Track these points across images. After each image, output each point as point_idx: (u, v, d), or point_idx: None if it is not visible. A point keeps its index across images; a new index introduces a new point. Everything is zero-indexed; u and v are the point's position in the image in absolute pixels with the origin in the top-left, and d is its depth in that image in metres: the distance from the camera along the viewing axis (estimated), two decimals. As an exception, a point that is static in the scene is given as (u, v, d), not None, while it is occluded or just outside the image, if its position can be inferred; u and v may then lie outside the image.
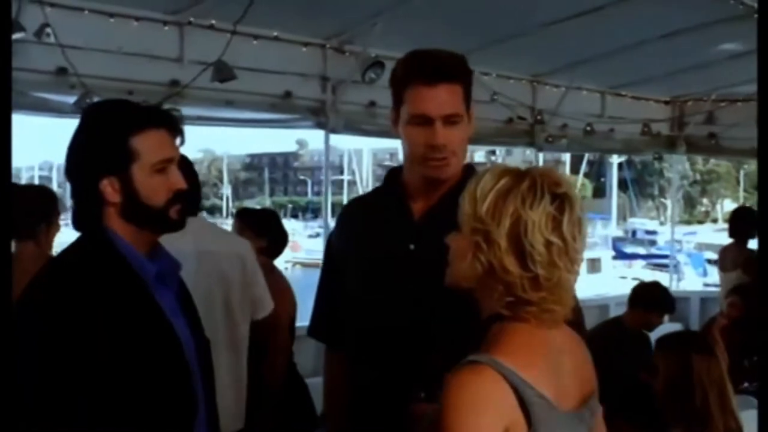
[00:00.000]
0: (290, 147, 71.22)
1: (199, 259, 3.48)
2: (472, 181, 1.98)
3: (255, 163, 74.92)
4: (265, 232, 4.50)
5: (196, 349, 2.40)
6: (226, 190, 65.18)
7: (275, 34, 5.75)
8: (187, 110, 5.46)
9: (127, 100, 2.48)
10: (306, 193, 71.04)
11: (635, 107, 8.16)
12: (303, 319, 4.12)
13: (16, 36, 4.36)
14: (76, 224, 2.36)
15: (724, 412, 3.31)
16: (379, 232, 2.67)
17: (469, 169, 2.68)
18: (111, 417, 2.12)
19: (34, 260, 3.23)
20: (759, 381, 2.38)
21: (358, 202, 3.04)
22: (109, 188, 2.25)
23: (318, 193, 64.47)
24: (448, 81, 2.52)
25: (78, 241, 2.35)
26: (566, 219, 1.90)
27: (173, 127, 2.35)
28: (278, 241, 4.60)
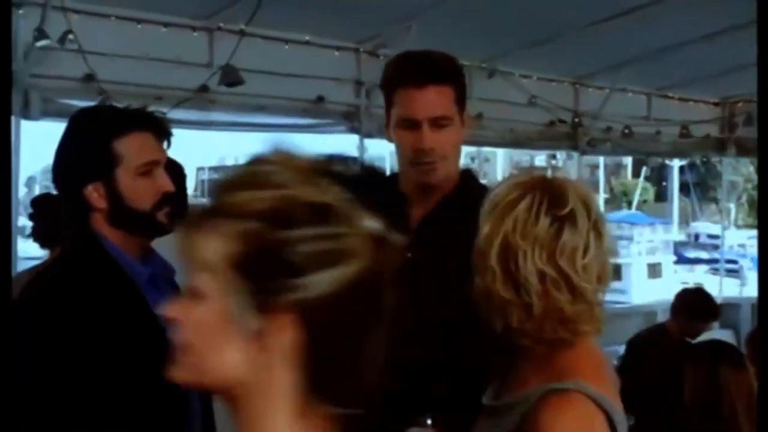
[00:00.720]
0: (350, 153, 71.37)
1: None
2: (491, 189, 1.87)
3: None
4: None
5: None
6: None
7: (307, 38, 5.69)
8: (217, 116, 5.44)
9: (111, 105, 2.45)
10: (365, 198, 70.99)
11: (682, 109, 7.95)
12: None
13: (40, 44, 4.38)
14: (68, 230, 2.33)
15: (753, 425, 3.18)
16: None
17: (468, 174, 2.60)
18: (105, 414, 2.09)
19: None
20: (759, 382, 2.27)
21: None
22: (95, 194, 2.22)
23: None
24: (437, 82, 2.42)
25: (70, 246, 2.33)
26: (564, 246, 1.73)
27: (158, 129, 2.32)
28: None
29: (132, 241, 2.29)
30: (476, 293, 1.82)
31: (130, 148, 2.22)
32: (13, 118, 4.58)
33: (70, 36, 4.37)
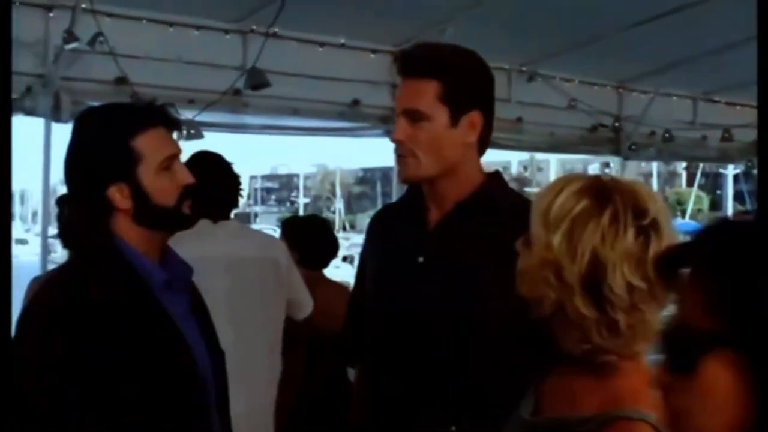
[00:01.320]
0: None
1: (229, 265, 3.47)
2: (544, 194, 1.73)
3: (368, 177, 75.53)
4: (295, 244, 4.37)
5: (209, 356, 2.31)
6: (339, 204, 65.89)
7: (342, 41, 5.63)
8: (251, 119, 5.41)
9: (120, 102, 2.42)
10: (417, 207, 71.53)
11: (729, 114, 7.71)
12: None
13: (70, 46, 4.37)
14: (77, 234, 2.29)
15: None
16: (394, 243, 2.53)
17: (493, 178, 2.51)
18: (121, 424, 2.05)
19: None
20: (759, 381, 2.17)
21: (384, 211, 2.93)
22: (118, 195, 2.19)
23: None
24: (420, 76, 2.36)
25: (83, 250, 2.28)
26: (652, 256, 1.63)
27: (170, 123, 2.30)
28: (315, 250, 4.47)
29: (153, 241, 2.26)
30: (543, 310, 1.69)
31: (149, 144, 2.20)
32: (44, 121, 4.60)
33: (101, 38, 4.35)
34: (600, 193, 1.67)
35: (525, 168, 64.27)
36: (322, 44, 5.55)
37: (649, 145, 7.18)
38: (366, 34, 5.70)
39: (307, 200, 65.41)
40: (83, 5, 4.44)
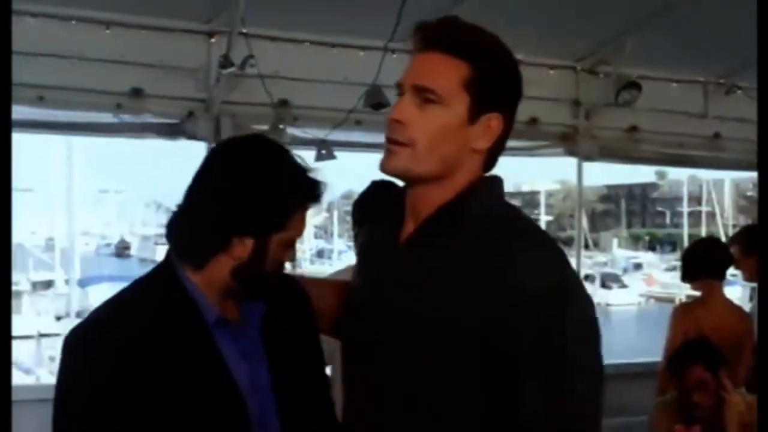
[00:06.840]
0: (649, 178, 69.84)
1: None
2: None
3: (612, 195, 74.10)
4: None
5: (276, 402, 2.12)
6: (582, 222, 64.82)
7: (520, 57, 5.39)
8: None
9: (305, 168, 2.16)
10: (664, 225, 69.38)
11: None
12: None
13: (226, 71, 4.43)
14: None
15: None
16: (370, 257, 2.18)
17: (483, 183, 1.99)
18: None
19: None
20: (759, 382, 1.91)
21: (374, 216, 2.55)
22: (240, 246, 1.98)
23: (676, 225, 62.80)
24: (445, 51, 1.86)
25: (152, 277, 2.17)
26: None
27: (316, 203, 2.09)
28: None
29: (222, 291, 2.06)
30: None
31: (297, 220, 2.00)
32: (205, 145, 4.69)
33: (251, 61, 4.37)
34: None
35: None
36: (495, 61, 5.36)
37: None
38: (544, 50, 5.46)
39: (549, 218, 64.60)
40: (243, 30, 4.48)
